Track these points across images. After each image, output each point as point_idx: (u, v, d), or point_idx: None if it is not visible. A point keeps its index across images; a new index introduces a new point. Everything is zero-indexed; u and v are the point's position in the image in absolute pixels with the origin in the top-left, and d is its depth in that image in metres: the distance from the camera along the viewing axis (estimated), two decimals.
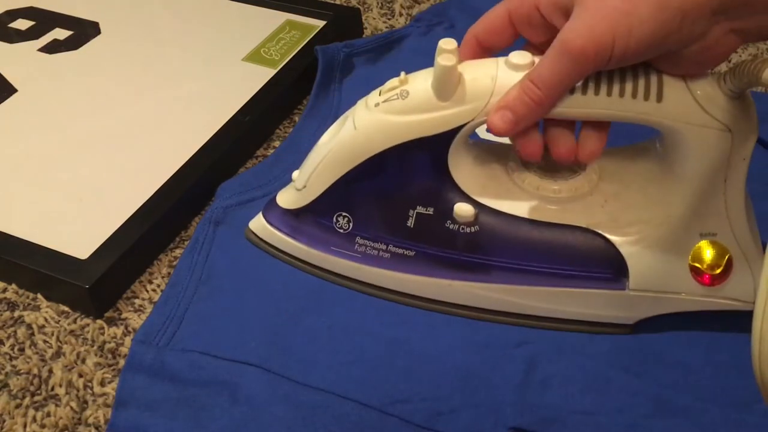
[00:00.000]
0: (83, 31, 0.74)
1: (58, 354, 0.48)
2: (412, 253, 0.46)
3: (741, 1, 0.35)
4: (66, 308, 0.51)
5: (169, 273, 0.53)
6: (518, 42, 0.46)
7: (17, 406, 0.45)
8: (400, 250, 0.47)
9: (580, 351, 0.45)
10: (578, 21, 0.36)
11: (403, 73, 0.44)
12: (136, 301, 0.51)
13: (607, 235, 0.44)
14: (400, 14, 0.78)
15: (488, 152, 0.48)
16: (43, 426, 0.44)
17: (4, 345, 0.48)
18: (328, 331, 0.47)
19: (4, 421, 0.44)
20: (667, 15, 0.35)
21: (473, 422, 0.42)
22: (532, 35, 0.42)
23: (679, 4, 0.35)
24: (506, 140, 0.59)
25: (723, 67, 0.69)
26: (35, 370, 0.47)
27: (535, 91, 0.38)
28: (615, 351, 0.45)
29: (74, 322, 0.50)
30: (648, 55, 0.37)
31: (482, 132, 0.60)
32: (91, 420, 0.44)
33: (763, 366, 0.31)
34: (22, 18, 0.76)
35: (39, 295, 0.51)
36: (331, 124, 0.47)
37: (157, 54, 0.71)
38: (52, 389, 0.46)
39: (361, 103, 0.45)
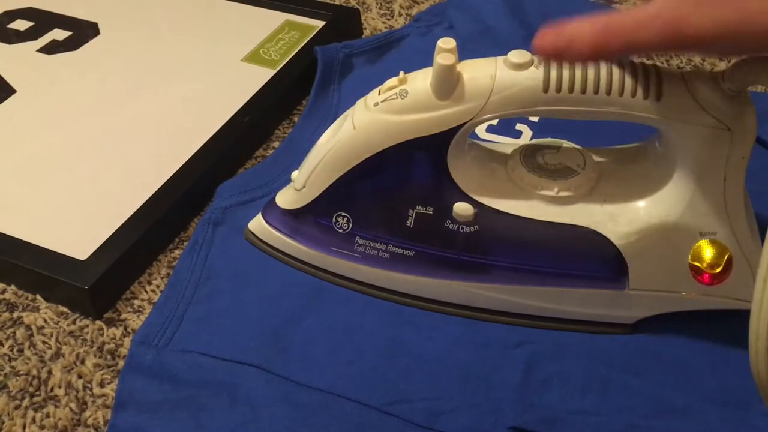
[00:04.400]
0: (82, 32, 0.74)
1: (57, 355, 0.48)
2: (411, 253, 0.46)
3: None
4: (65, 309, 0.51)
5: (168, 274, 0.52)
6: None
7: (16, 407, 0.45)
8: (400, 250, 0.47)
9: (580, 351, 0.45)
10: None
11: (402, 73, 0.44)
12: (136, 301, 0.51)
13: (607, 235, 0.44)
14: (399, 14, 0.78)
15: (487, 152, 0.48)
16: (42, 427, 0.44)
17: (3, 346, 0.48)
18: (328, 331, 0.47)
19: (3, 423, 0.44)
20: None
21: (473, 422, 0.42)
22: None
23: None
24: (506, 140, 0.59)
25: (722, 65, 0.69)
26: (34, 371, 0.47)
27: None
28: (615, 351, 0.45)
29: (73, 323, 0.50)
30: None
31: (482, 132, 0.60)
32: (90, 421, 0.44)
33: (760, 364, 0.31)
34: (21, 19, 0.76)
35: (38, 296, 0.51)
36: (331, 124, 0.47)
37: (157, 54, 0.71)
38: (52, 390, 0.46)
39: (360, 102, 0.45)
